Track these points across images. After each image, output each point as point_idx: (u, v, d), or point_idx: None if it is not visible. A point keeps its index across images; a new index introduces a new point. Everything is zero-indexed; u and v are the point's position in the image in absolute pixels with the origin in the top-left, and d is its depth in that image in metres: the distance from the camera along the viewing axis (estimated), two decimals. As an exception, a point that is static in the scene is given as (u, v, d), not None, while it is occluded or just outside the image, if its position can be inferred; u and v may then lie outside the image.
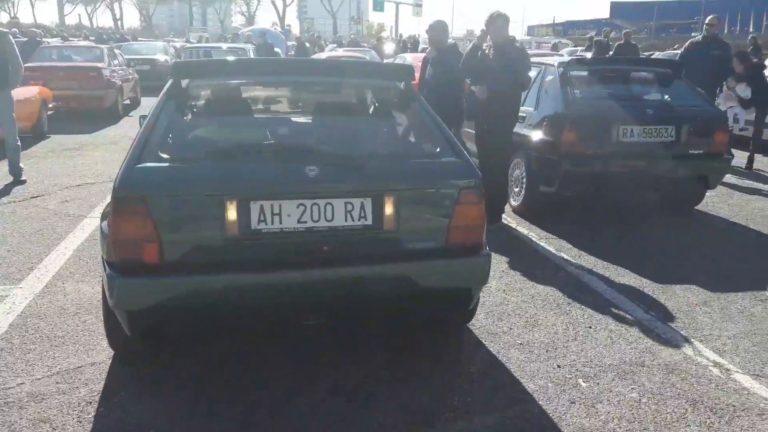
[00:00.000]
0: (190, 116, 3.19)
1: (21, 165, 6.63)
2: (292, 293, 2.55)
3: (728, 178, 6.93)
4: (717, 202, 6.30)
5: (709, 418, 2.62)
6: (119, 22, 69.38)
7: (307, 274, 2.53)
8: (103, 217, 2.74)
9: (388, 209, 2.59)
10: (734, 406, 2.71)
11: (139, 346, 2.89)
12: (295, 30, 60.54)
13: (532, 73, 5.66)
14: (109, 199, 2.59)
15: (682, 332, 3.41)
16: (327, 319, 2.97)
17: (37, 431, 2.42)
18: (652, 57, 12.23)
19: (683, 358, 3.12)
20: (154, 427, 2.47)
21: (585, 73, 5.99)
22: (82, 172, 7.17)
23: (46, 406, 2.58)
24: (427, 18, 62.63)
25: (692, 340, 3.32)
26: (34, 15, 69.67)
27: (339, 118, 3.46)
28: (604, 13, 56.11)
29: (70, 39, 17.31)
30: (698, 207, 5.98)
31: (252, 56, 15.31)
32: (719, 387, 2.86)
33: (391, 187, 2.61)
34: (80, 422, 2.49)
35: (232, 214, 2.44)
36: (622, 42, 13.60)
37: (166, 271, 2.44)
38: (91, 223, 5.03)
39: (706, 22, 8.23)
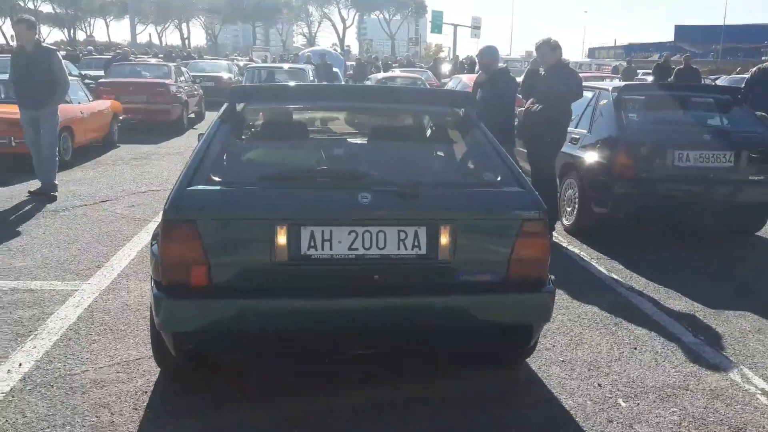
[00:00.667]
0: (244, 140, 3.21)
1: (56, 182, 6.45)
2: (340, 322, 2.48)
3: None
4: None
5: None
6: (186, 41, 72.46)
7: (356, 302, 2.46)
8: (154, 237, 2.71)
9: (444, 239, 2.49)
10: (786, 437, 2.64)
11: (186, 365, 2.83)
12: (355, 50, 61.74)
13: (588, 94, 5.72)
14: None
15: (731, 358, 3.33)
16: (376, 350, 2.83)
17: (97, 415, 2.60)
18: (713, 84, 11.85)
19: (730, 384, 3.05)
20: (205, 416, 2.62)
21: (639, 98, 5.95)
22: (148, 180, 7.56)
23: (106, 392, 2.77)
24: (484, 39, 62.64)
25: (741, 366, 3.24)
26: (108, 34, 73.77)
27: (395, 144, 3.35)
28: (669, 35, 54.79)
29: (139, 56, 18.28)
30: (759, 233, 5.80)
31: (311, 76, 15.68)
32: (765, 416, 2.79)
33: (447, 216, 2.51)
34: (136, 409, 2.65)
35: (281, 238, 2.40)
36: (682, 66, 13.31)
37: (214, 294, 2.40)
38: (156, 227, 5.31)
39: None
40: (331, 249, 2.43)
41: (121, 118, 10.77)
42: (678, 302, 4.11)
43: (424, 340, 2.70)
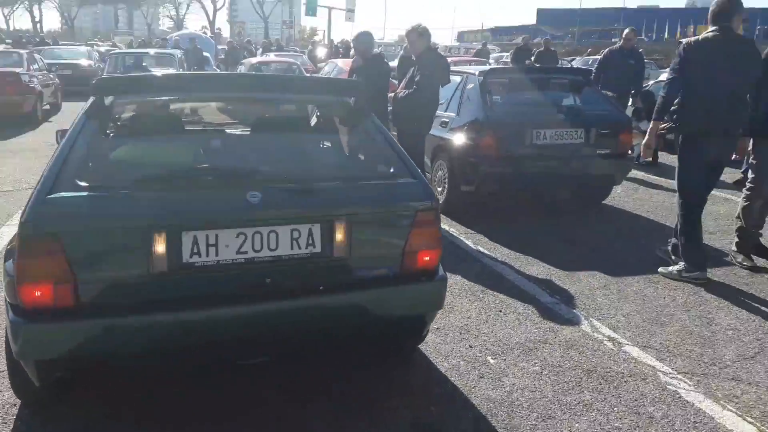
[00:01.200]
0: (113, 138, 2.95)
1: None
2: (228, 331, 2.33)
3: (635, 174, 7.51)
4: (623, 196, 6.84)
5: (600, 384, 2.97)
6: (38, 25, 66.42)
7: (246, 309, 2.32)
8: (7, 255, 2.37)
9: (339, 235, 2.40)
10: (623, 373, 3.07)
11: (50, 393, 2.57)
12: (226, 34, 59.63)
13: (457, 78, 6.07)
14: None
15: (582, 313, 3.78)
16: (270, 357, 2.76)
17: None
18: (568, 65, 12.85)
19: (581, 335, 3.48)
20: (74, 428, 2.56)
21: (502, 81, 6.40)
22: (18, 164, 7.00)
23: (-23, 403, 2.65)
24: (359, 23, 63.05)
25: (591, 319, 3.70)
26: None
27: (282, 138, 3.15)
28: (531, 19, 58.12)
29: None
30: (606, 201, 6.49)
31: (181, 61, 15.08)
32: (611, 358, 3.23)
33: (342, 212, 2.42)
34: (4, 423, 2.55)
35: (160, 247, 2.19)
36: (542, 49, 14.35)
37: (82, 314, 2.16)
38: (9, 232, 4.96)
39: (624, 35, 8.95)
40: (217, 255, 2.26)
41: (-34, 111, 9.83)
42: (536, 267, 4.56)
43: (318, 340, 2.64)
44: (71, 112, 2.80)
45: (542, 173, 5.77)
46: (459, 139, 5.78)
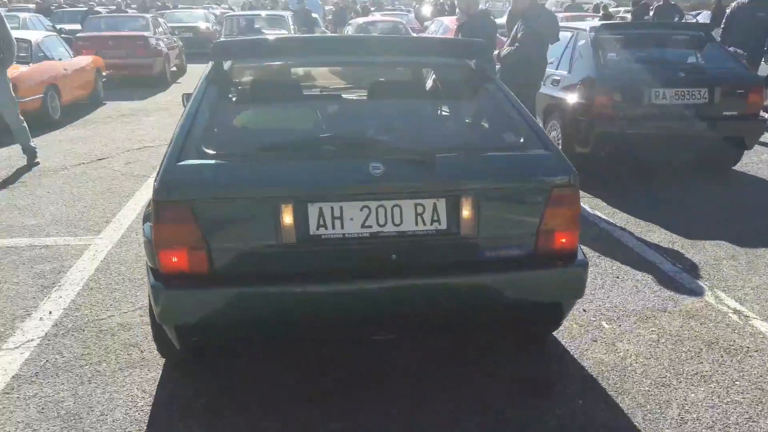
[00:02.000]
0: (234, 103, 2.93)
1: (32, 144, 6.18)
2: (356, 306, 2.28)
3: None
4: (756, 162, 6.37)
5: (721, 357, 2.87)
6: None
7: (374, 285, 2.25)
8: (145, 218, 2.45)
9: (466, 212, 2.26)
10: (748, 347, 2.95)
11: (192, 358, 2.71)
12: (332, -7, 59.85)
13: (567, 35, 5.86)
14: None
15: (706, 283, 3.64)
16: (396, 335, 2.72)
17: (128, 353, 2.84)
18: (686, 21, 11.82)
19: (704, 306, 3.36)
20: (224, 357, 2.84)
21: (616, 37, 6.08)
22: (140, 137, 7.64)
23: (133, 334, 3.00)
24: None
25: (716, 290, 3.55)
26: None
27: (401, 104, 2.97)
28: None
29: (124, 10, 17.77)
30: (736, 167, 6.09)
31: (290, 23, 15.36)
32: (735, 331, 3.10)
33: (468, 186, 2.28)
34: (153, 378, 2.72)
35: (287, 218, 2.17)
36: (661, 3, 13.26)
37: (216, 281, 2.19)
38: (145, 207, 5.46)
39: None
40: (342, 227, 2.21)
41: (104, 74, 10.68)
42: (657, 234, 4.40)
43: (446, 322, 2.53)
44: (196, 75, 2.83)
45: (662, 135, 5.50)
46: (572, 98, 5.61)
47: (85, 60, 10.00)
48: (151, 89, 11.58)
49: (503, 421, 2.42)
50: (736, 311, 3.30)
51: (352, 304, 2.27)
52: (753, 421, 2.44)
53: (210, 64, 2.72)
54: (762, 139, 6.27)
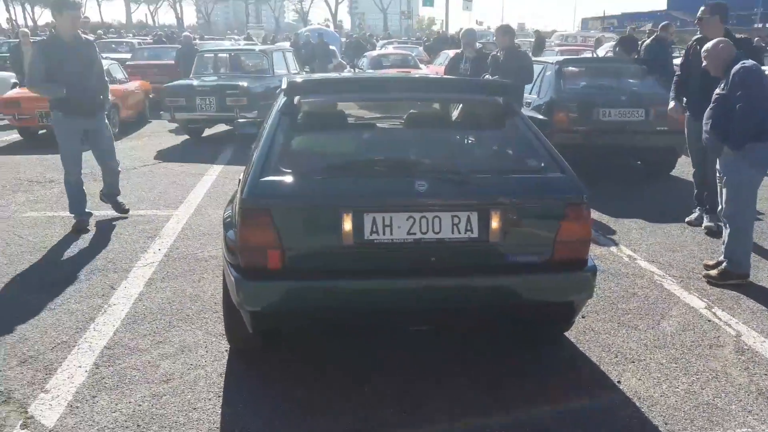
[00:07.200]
0: (301, 131, 3.32)
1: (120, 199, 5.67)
2: (400, 300, 2.71)
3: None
4: (690, 170, 7.80)
5: (608, 277, 4.32)
6: (181, 21, 73.24)
7: (414, 282, 2.67)
8: (227, 226, 2.89)
9: (494, 223, 2.66)
10: (626, 272, 4.41)
11: (258, 343, 3.14)
12: (347, 25, 62.10)
13: (539, 67, 7.43)
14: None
15: (616, 241, 5.12)
16: (432, 327, 3.22)
17: (219, 271, 4.32)
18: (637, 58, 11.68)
19: (609, 253, 4.85)
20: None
21: (575, 69, 7.68)
22: (185, 146, 9.36)
23: (219, 261, 4.47)
24: (476, 11, 62.73)
25: (621, 245, 5.03)
26: (100, 14, 74.41)
27: (444, 134, 3.58)
28: (662, 4, 54.95)
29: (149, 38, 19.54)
30: (674, 173, 7.56)
31: (278, 59, 14.34)
32: (625, 265, 4.58)
33: (497, 201, 2.69)
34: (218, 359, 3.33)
35: (347, 225, 2.59)
36: (647, 40, 14.32)
37: (288, 275, 2.63)
38: (209, 179, 7.08)
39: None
40: (391, 234, 2.63)
41: (150, 96, 12.39)
42: (595, 215, 5.83)
43: (476, 318, 2.99)
44: (272, 112, 3.35)
45: (608, 145, 6.99)
46: (538, 116, 7.12)
47: (135, 84, 11.75)
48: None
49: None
50: (629, 256, 4.78)
51: (396, 297, 2.71)
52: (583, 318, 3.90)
53: (282, 98, 3.20)
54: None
